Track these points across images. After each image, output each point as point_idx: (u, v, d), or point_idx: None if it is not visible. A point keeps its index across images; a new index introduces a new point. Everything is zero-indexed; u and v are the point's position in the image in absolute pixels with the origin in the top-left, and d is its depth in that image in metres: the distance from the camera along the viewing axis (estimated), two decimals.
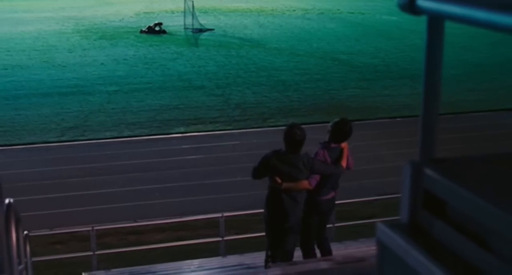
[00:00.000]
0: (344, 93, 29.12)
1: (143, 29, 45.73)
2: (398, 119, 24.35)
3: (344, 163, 8.64)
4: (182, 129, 23.84)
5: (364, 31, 46.59)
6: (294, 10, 57.77)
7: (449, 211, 1.75)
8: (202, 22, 47.76)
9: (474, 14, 1.57)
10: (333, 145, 8.70)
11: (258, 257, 9.61)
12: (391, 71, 33.77)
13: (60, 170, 19.27)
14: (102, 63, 35.26)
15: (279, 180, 8.14)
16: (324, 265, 7.79)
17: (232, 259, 10.44)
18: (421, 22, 1.80)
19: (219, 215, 11.89)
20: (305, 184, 8.27)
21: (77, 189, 17.79)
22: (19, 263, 5.24)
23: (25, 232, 8.34)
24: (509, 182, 1.72)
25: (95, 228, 11.39)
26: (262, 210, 9.03)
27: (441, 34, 1.76)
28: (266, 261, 8.46)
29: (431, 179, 1.74)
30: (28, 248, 8.03)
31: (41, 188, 17.57)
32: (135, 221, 14.77)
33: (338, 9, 55.14)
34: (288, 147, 8.23)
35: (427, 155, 1.80)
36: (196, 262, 10.51)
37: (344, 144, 8.79)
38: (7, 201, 3.73)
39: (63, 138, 22.62)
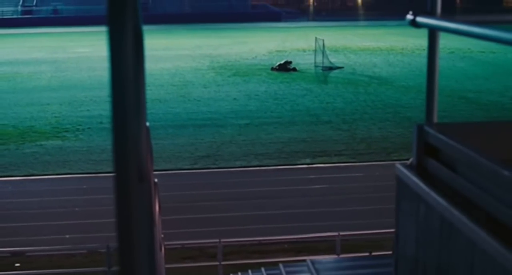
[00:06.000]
0: None
1: (274, 66, 47.26)
2: None
3: None
4: (308, 161, 24.88)
5: (494, 70, 46.44)
6: (424, 49, 57.52)
7: (440, 155, 2.69)
8: (332, 60, 48.86)
9: (457, 27, 2.53)
10: None
11: None
12: None
13: (193, 195, 20.69)
14: (234, 98, 36.90)
15: None
16: None
17: None
18: None
19: (335, 233, 12.78)
20: None
21: (208, 211, 19.14)
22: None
23: (162, 235, 9.53)
24: (477, 133, 2.65)
25: (222, 240, 12.51)
26: (378, 231, 9.90)
27: (437, 41, 2.72)
28: None
29: (429, 134, 2.70)
30: (163, 247, 9.13)
31: (175, 209, 18.91)
32: (259, 241, 15.85)
33: (469, 49, 55.07)
34: None
35: (429, 120, 2.75)
36: None
37: None
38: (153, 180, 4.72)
39: (196, 166, 24.16)
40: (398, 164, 2.77)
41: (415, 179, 2.67)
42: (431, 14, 2.69)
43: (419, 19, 2.63)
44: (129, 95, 1.60)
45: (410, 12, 2.71)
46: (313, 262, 6.64)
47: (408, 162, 2.84)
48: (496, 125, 2.75)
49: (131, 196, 1.65)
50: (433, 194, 2.48)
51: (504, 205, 2.14)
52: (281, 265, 8.16)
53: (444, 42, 42.26)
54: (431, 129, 2.69)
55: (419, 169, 2.74)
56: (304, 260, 9.40)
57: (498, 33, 2.29)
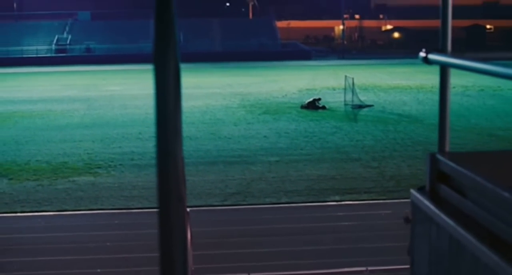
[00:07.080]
0: None
1: (304, 104, 47.55)
2: None
3: None
4: (337, 198, 25.01)
5: None
6: (454, 87, 57.96)
7: (451, 181, 2.92)
8: (362, 98, 49.05)
9: (466, 64, 2.78)
10: None
11: None
12: None
13: (223, 231, 20.90)
14: (265, 136, 37.18)
15: None
16: None
17: None
18: None
19: (363, 268, 12.91)
20: None
21: (237, 247, 19.31)
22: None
23: (193, 267, 9.76)
24: (485, 161, 2.88)
25: (251, 274, 12.70)
26: (406, 266, 9.99)
27: (448, 77, 2.97)
28: None
29: (440, 162, 2.93)
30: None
31: (206, 245, 19.13)
32: None
33: (499, 86, 54.99)
34: None
35: (441, 149, 2.99)
36: None
37: None
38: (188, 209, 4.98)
39: (226, 202, 24.40)
40: (412, 190, 3.00)
41: (427, 203, 2.89)
42: (442, 51, 2.94)
43: (431, 56, 2.88)
44: (171, 124, 1.87)
45: (423, 50, 2.96)
46: None
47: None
48: (503, 154, 2.98)
49: (171, 213, 1.90)
50: (443, 216, 2.71)
51: (506, 224, 2.37)
52: None
53: (474, 80, 42.64)
54: (443, 157, 2.92)
55: (431, 194, 2.97)
56: None
57: (503, 69, 2.53)
